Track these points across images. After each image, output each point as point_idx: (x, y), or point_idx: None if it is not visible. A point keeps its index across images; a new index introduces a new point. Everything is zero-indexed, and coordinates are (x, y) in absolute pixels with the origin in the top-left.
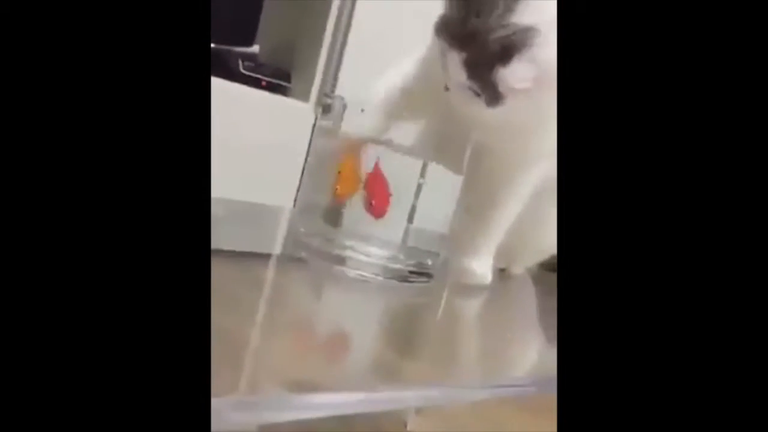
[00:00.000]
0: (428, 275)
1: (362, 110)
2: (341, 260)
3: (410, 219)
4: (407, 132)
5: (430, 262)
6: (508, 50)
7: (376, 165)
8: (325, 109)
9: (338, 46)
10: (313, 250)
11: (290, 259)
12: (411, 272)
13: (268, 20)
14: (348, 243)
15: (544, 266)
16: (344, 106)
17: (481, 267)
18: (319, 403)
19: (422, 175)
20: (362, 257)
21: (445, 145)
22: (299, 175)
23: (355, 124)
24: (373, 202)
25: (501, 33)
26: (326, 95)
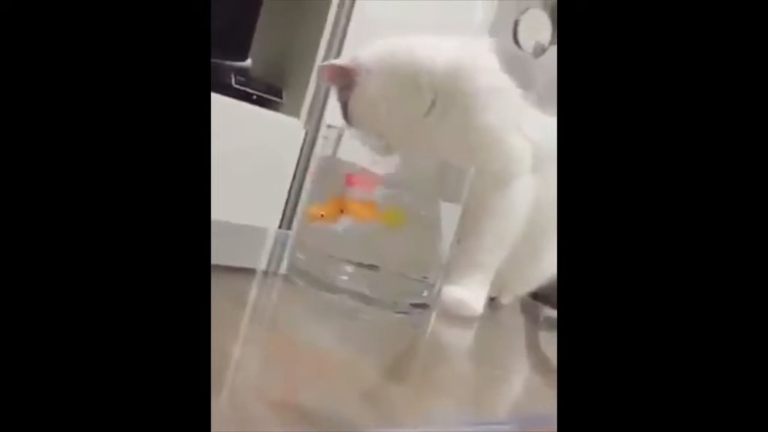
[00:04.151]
0: (424, 306)
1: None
2: (339, 290)
3: None
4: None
5: (425, 293)
6: None
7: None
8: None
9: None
10: (310, 279)
11: (280, 280)
12: (409, 304)
13: (262, 35)
14: (348, 272)
15: (533, 295)
16: (340, 134)
17: (472, 297)
18: None
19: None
20: (360, 288)
21: (445, 174)
22: (287, 191)
23: (354, 156)
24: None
25: None
26: (329, 126)
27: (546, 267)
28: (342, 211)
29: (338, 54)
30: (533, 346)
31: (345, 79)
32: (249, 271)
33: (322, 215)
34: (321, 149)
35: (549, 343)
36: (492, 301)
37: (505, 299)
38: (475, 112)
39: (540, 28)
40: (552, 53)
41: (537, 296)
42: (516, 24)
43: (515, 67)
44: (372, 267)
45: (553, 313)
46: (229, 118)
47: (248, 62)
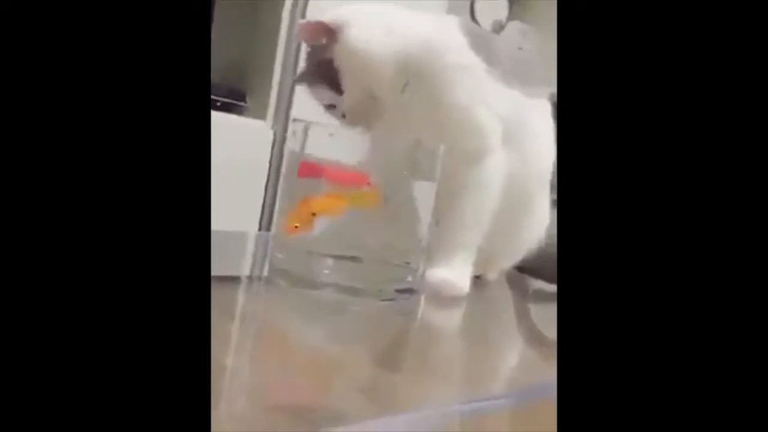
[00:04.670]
0: (410, 291)
1: (331, 134)
2: (322, 285)
3: None
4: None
5: (410, 278)
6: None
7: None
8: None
9: (291, 60)
10: (293, 277)
11: (264, 283)
12: (394, 290)
13: (217, 41)
14: (329, 266)
15: (518, 268)
16: (307, 128)
17: (457, 277)
18: None
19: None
20: (343, 280)
21: (418, 154)
22: (262, 194)
23: (323, 148)
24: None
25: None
26: (295, 120)
27: (528, 239)
28: (314, 214)
29: (297, 50)
30: (524, 320)
31: (325, 36)
32: (234, 278)
33: (296, 227)
34: (290, 145)
35: (539, 315)
36: (478, 279)
37: (491, 275)
38: (444, 90)
39: (496, 5)
40: (510, 29)
41: (523, 269)
42: (473, 2)
43: (481, 44)
44: (353, 258)
45: (540, 285)
46: None
47: None
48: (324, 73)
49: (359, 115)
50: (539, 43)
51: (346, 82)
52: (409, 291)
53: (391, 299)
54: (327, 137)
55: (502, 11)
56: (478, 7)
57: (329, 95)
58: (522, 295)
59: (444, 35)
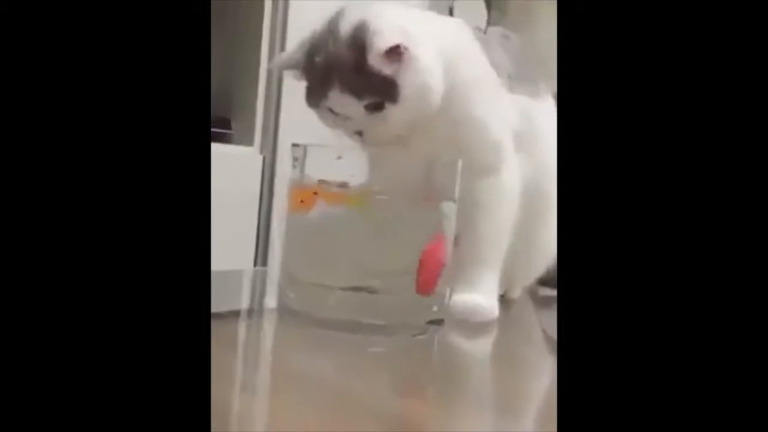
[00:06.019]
0: (439, 321)
1: (339, 157)
2: (343, 325)
3: None
4: None
5: (435, 308)
6: (358, 50)
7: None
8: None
9: (274, 82)
10: (307, 318)
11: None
12: (425, 323)
13: None
14: (346, 301)
15: (540, 281)
16: (305, 151)
17: (486, 300)
18: None
19: None
20: (364, 317)
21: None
22: (255, 224)
23: (333, 171)
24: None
25: (341, 49)
26: (294, 145)
27: (548, 246)
28: (315, 193)
29: (280, 72)
30: (551, 339)
31: (399, 56)
32: (233, 314)
33: (302, 201)
34: (292, 171)
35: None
36: (501, 298)
37: (514, 293)
38: (459, 104)
39: (475, 12)
40: (491, 35)
41: (545, 282)
42: (451, 10)
43: (491, 53)
44: (370, 290)
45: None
46: None
47: None
48: (381, 89)
49: (389, 135)
50: (520, 47)
51: (403, 99)
52: (440, 322)
53: (422, 334)
54: (322, 159)
55: (480, 17)
56: (456, 12)
57: (358, 110)
58: (549, 309)
59: (461, 45)
